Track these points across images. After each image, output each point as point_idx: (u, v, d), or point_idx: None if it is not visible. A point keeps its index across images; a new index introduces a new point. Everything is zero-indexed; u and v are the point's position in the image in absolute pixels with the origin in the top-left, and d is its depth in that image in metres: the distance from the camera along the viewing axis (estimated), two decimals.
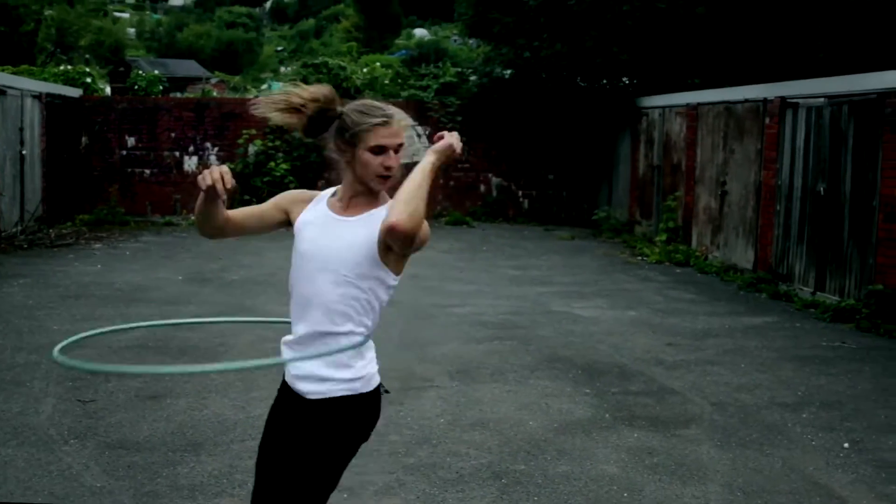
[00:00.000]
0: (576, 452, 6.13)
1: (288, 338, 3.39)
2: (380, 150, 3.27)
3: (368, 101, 3.35)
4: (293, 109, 3.32)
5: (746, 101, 13.80)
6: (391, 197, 3.24)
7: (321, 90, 3.34)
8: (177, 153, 20.31)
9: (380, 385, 3.47)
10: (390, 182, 3.34)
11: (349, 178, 3.35)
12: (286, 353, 3.37)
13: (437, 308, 10.92)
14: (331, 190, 3.47)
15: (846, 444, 6.42)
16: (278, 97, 3.35)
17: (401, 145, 3.31)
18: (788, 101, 12.66)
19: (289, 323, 3.40)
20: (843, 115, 11.38)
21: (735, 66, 17.68)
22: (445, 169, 20.40)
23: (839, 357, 8.98)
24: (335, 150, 3.35)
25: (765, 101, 13.22)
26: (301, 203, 3.47)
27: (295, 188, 19.55)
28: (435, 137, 3.30)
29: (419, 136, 20.67)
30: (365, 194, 3.34)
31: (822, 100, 11.87)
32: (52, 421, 6.54)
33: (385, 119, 3.26)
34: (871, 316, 10.19)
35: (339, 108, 3.33)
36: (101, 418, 6.64)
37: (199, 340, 9.05)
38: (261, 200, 22.27)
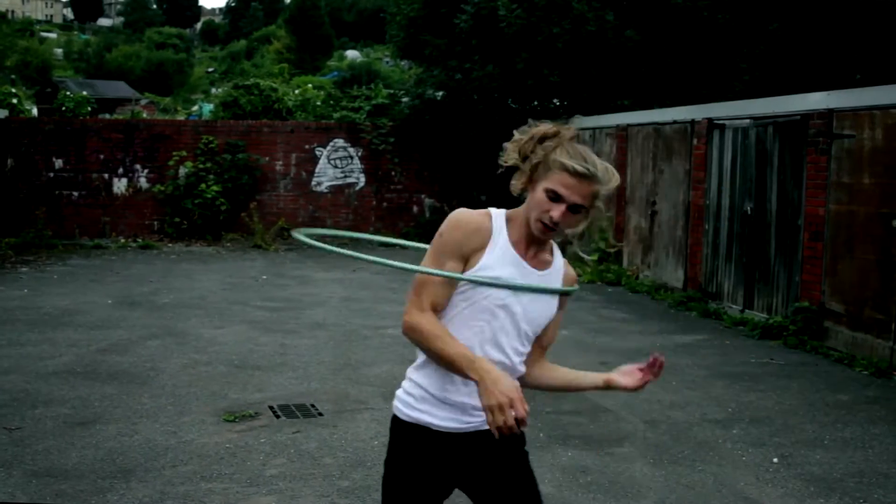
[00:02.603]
0: None
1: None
2: (555, 196, 2.91)
3: (584, 149, 3.04)
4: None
5: (675, 122, 14.01)
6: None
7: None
8: (105, 175, 20.02)
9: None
10: (551, 236, 3.01)
11: (522, 214, 3.04)
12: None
13: (370, 329, 10.89)
14: (498, 214, 3.07)
15: (775, 459, 6.52)
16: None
17: (581, 207, 2.92)
18: (715, 122, 12.89)
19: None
20: (768, 136, 11.62)
21: (664, 88, 17.96)
22: (377, 190, 20.49)
23: (768, 373, 9.12)
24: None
25: (692, 122, 13.43)
26: (478, 237, 2.99)
27: (226, 209, 19.56)
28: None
29: (352, 157, 20.66)
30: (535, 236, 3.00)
31: (747, 121, 12.10)
32: None
33: (583, 170, 2.91)
34: (798, 332, 10.39)
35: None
36: (28, 446, 6.50)
37: (130, 365, 8.91)
38: (191, 223, 22.11)
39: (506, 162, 3.05)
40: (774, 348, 10.30)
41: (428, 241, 12.25)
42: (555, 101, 19.48)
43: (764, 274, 11.62)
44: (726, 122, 12.63)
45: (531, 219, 2.95)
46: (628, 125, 15.71)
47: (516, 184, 3.02)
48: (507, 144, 3.09)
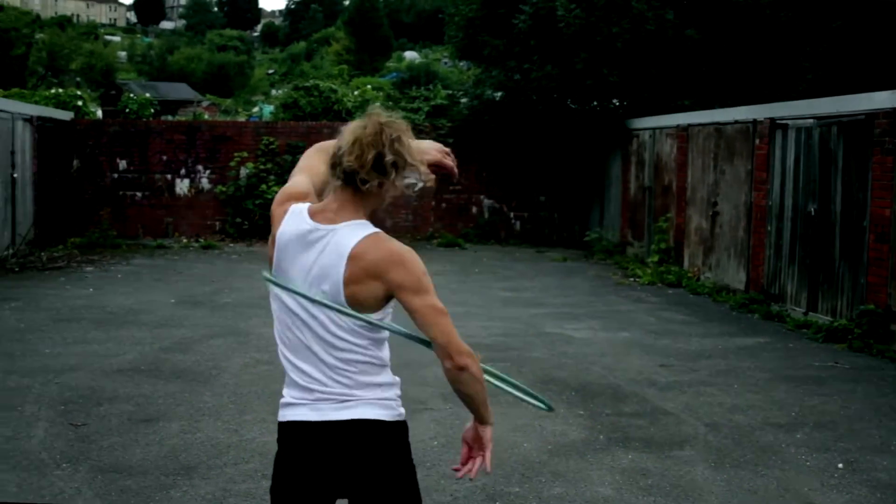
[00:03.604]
0: (570, 474, 6.12)
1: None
2: None
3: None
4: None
5: (736, 122, 13.86)
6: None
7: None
8: (168, 176, 20.30)
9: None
10: None
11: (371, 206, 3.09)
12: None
13: None
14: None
15: (840, 465, 6.42)
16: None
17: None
18: (778, 122, 12.72)
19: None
20: (832, 136, 11.44)
21: (725, 87, 17.78)
22: (437, 190, 20.52)
23: (832, 377, 8.98)
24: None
25: (755, 122, 13.28)
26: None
27: None
28: None
29: None
30: None
31: (811, 121, 11.93)
32: (44, 445, 6.51)
33: None
34: (864, 336, 10.21)
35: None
36: (94, 442, 6.61)
37: (192, 363, 9.02)
38: (253, 223, 22.35)
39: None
40: (839, 352, 10.13)
41: (487, 242, 12.39)
42: (614, 101, 19.39)
43: (828, 276, 11.44)
44: (789, 122, 12.47)
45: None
46: (689, 125, 15.57)
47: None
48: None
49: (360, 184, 2.95)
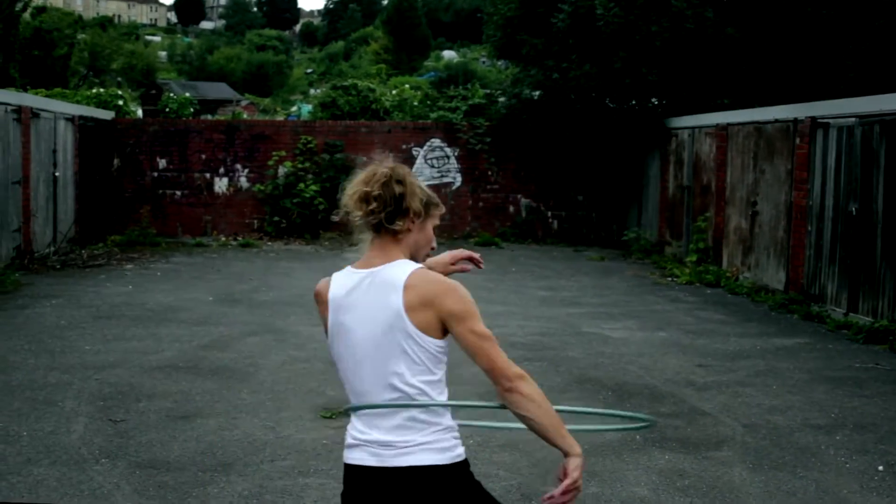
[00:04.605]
0: (606, 474, 6.09)
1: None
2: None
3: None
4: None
5: (776, 121, 13.74)
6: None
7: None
8: (207, 175, 20.44)
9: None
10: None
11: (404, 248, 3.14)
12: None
13: None
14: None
15: (881, 467, 6.35)
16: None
17: None
18: (819, 121, 12.60)
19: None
20: (874, 135, 11.31)
21: (765, 86, 17.62)
22: (474, 189, 20.49)
23: (873, 378, 8.88)
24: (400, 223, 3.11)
25: (795, 121, 13.15)
26: None
27: (324, 209, 19.82)
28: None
29: (448, 157, 20.72)
30: None
31: (852, 119, 11.80)
32: (83, 440, 6.58)
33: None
34: None
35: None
36: (132, 438, 6.67)
37: (230, 361, 9.08)
38: (290, 222, 22.44)
39: (373, 211, 3.11)
40: (880, 353, 10.01)
41: (524, 241, 12.42)
42: (653, 100, 19.28)
43: (869, 276, 11.31)
44: (830, 121, 12.34)
45: (421, 252, 3.23)
46: (728, 124, 15.45)
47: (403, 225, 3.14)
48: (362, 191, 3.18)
49: (385, 225, 3.08)
